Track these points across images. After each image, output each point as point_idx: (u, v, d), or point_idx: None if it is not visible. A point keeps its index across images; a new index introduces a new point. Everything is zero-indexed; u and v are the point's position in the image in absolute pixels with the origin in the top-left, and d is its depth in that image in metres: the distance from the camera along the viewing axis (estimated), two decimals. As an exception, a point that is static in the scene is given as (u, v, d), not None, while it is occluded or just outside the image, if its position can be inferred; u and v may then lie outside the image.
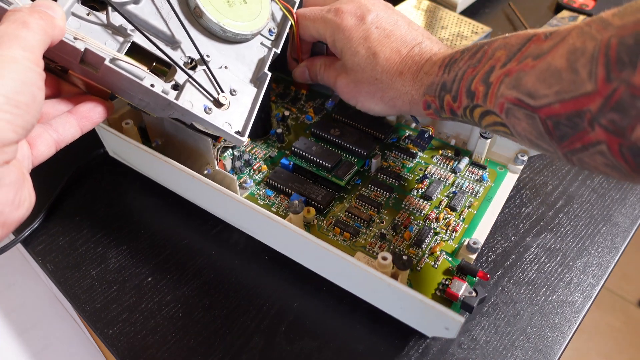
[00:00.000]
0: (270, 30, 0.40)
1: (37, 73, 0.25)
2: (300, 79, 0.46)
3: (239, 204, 0.35)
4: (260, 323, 0.35)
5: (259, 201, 0.40)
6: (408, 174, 0.42)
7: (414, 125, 0.46)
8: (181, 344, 0.34)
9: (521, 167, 0.42)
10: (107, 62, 0.30)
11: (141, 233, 0.41)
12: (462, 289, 0.33)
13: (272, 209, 0.39)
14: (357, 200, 0.40)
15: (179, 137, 0.37)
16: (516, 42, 0.29)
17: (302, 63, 0.45)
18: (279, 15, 0.41)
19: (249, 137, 0.37)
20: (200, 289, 0.37)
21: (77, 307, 0.36)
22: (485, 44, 0.32)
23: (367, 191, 0.41)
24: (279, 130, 0.44)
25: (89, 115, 0.32)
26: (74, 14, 0.32)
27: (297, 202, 0.36)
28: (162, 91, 0.33)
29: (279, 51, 0.40)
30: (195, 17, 0.36)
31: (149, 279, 0.38)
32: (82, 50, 0.30)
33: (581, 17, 0.60)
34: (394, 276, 0.33)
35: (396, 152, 0.44)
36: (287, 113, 0.47)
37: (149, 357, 0.34)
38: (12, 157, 0.24)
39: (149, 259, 0.39)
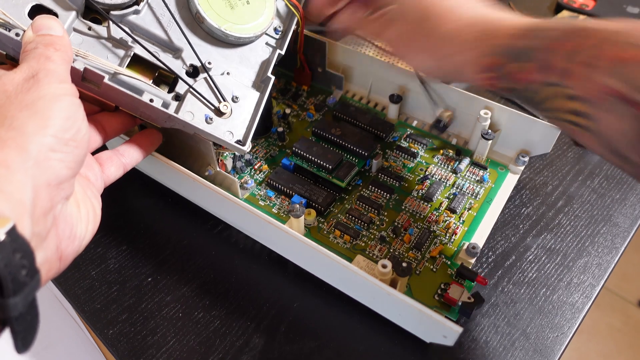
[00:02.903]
0: (275, 29, 0.40)
1: (78, 105, 0.26)
2: (340, 23, 0.39)
3: (239, 208, 0.35)
4: (260, 323, 0.35)
5: (259, 202, 0.40)
6: (409, 174, 0.42)
7: (415, 123, 0.46)
8: (181, 344, 0.34)
9: (522, 167, 0.42)
10: (106, 80, 0.31)
11: (141, 233, 0.41)
12: (460, 294, 0.33)
13: (272, 210, 0.39)
14: (358, 202, 0.40)
15: (180, 137, 0.37)
16: (617, 27, 0.25)
17: (347, 7, 0.39)
18: (284, 12, 0.41)
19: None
20: (200, 289, 0.37)
21: (77, 307, 0.36)
22: (576, 20, 0.29)
23: (368, 192, 0.41)
24: (280, 129, 0.44)
25: (149, 140, 0.35)
26: (75, 30, 0.32)
27: (297, 205, 0.36)
28: (163, 104, 0.33)
29: (283, 52, 0.39)
30: (197, 22, 0.36)
31: (149, 279, 0.38)
32: (82, 69, 0.30)
33: (581, 17, 0.60)
34: (394, 282, 0.33)
35: (397, 152, 0.44)
36: (288, 110, 0.47)
37: (149, 357, 0.34)
38: (70, 193, 0.25)
39: (149, 259, 0.39)
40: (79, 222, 0.26)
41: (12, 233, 0.19)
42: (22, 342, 0.20)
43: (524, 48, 0.30)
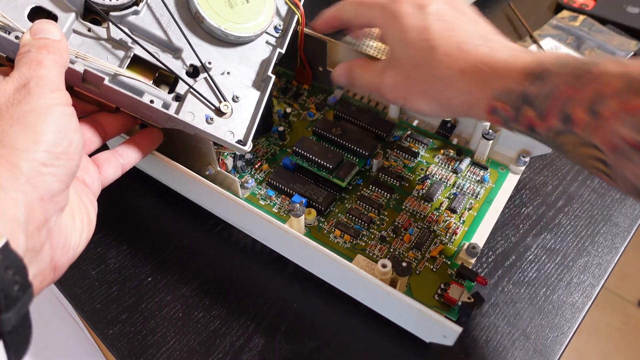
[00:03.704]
0: (275, 28, 0.40)
1: (69, 115, 0.25)
2: (338, 80, 0.42)
3: (240, 207, 0.35)
4: (260, 323, 0.35)
5: (260, 201, 0.40)
6: (409, 174, 0.42)
7: (416, 123, 0.46)
8: (181, 344, 0.34)
9: (523, 167, 0.42)
10: (106, 82, 0.30)
11: (141, 233, 0.41)
12: (460, 294, 0.33)
13: (273, 209, 0.39)
14: (358, 201, 0.40)
15: (181, 137, 0.37)
16: (629, 72, 0.25)
17: (342, 65, 0.41)
18: (284, 11, 0.41)
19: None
20: (200, 288, 0.37)
21: (77, 307, 0.36)
22: (590, 63, 0.27)
23: (368, 192, 0.41)
24: (281, 128, 0.44)
25: (149, 139, 0.35)
26: (75, 31, 0.32)
27: (298, 205, 0.36)
28: (163, 104, 0.33)
29: (283, 51, 0.39)
30: (196, 22, 0.36)
31: (149, 279, 0.38)
32: (82, 71, 0.30)
33: (581, 17, 0.60)
34: (394, 282, 0.33)
35: (398, 151, 0.44)
36: (289, 110, 0.47)
37: (149, 357, 0.33)
38: (64, 205, 0.25)
39: (149, 259, 0.39)
40: (73, 232, 0.26)
41: (5, 250, 0.19)
42: (15, 355, 0.20)
43: (527, 93, 0.29)
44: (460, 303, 0.33)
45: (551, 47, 0.57)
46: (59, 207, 0.24)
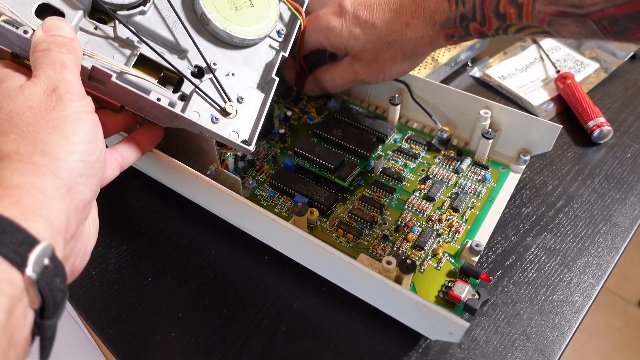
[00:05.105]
0: (278, 32, 0.40)
1: (97, 123, 0.26)
2: (312, 93, 0.47)
3: (242, 206, 0.35)
4: (260, 323, 0.35)
5: (261, 202, 0.40)
6: (410, 174, 0.42)
7: (415, 124, 0.46)
8: (181, 344, 0.34)
9: (523, 166, 0.42)
10: (114, 79, 0.30)
11: (141, 233, 0.41)
12: (464, 291, 0.33)
13: (275, 209, 0.39)
14: (360, 202, 0.40)
15: (183, 136, 0.37)
16: None
17: (308, 79, 0.47)
18: (287, 16, 0.41)
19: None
20: (200, 289, 0.37)
21: (77, 307, 0.36)
22: None
23: (370, 192, 0.41)
24: (282, 131, 0.44)
25: (148, 137, 0.35)
26: (82, 29, 0.32)
27: (300, 204, 0.36)
28: (169, 104, 0.33)
29: (287, 54, 0.40)
30: (202, 24, 0.36)
31: (149, 279, 0.38)
32: (89, 68, 0.30)
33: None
34: (398, 279, 0.33)
35: (398, 153, 0.44)
36: (289, 113, 0.47)
37: (149, 357, 0.33)
38: (89, 213, 0.25)
39: (149, 259, 0.39)
40: (89, 239, 0.26)
41: (54, 259, 0.20)
42: (47, 355, 0.21)
43: (461, 14, 0.35)
44: (465, 300, 0.33)
45: (551, 47, 0.57)
46: (86, 216, 0.25)
